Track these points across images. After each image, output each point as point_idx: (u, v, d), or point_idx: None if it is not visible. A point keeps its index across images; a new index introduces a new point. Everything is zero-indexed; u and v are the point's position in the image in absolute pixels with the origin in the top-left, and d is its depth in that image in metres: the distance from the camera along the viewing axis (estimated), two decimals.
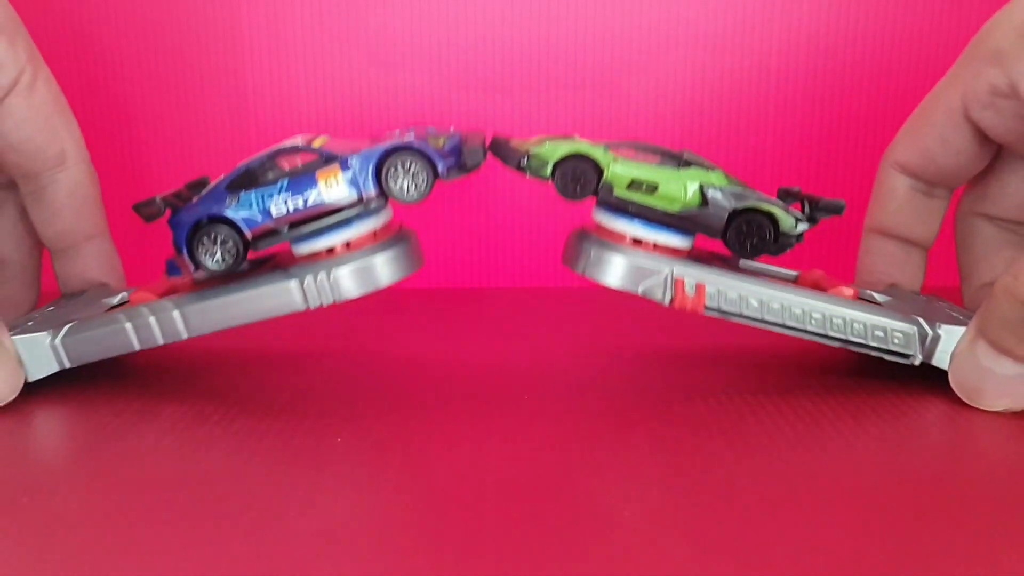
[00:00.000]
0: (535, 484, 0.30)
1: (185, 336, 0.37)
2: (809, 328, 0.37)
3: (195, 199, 0.37)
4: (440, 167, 0.36)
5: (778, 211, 0.37)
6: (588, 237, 0.39)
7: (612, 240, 0.38)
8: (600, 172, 0.37)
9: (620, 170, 0.37)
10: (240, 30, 0.58)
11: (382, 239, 0.38)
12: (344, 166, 0.36)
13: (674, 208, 0.37)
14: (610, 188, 0.37)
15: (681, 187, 0.37)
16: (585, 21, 0.58)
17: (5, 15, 0.40)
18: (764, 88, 0.59)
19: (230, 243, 0.36)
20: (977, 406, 0.35)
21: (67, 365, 0.38)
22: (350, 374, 0.42)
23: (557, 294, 0.59)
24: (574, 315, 0.42)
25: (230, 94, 0.59)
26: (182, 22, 0.58)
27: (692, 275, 0.37)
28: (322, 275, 0.37)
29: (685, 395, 0.38)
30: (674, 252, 0.39)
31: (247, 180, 0.37)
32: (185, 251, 0.36)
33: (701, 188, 0.37)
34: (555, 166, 0.37)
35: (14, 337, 0.37)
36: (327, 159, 0.36)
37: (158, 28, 0.58)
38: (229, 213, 0.36)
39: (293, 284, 0.37)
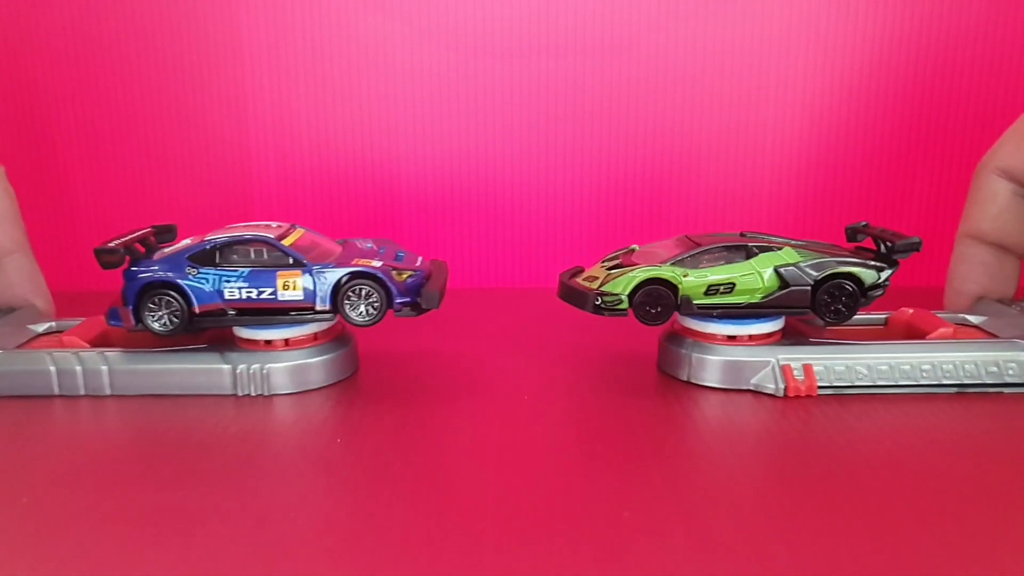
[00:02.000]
0: (535, 483, 0.29)
1: (108, 393, 0.38)
2: (922, 382, 0.37)
3: (155, 255, 0.38)
4: (396, 303, 0.37)
5: (858, 269, 0.37)
6: (684, 343, 0.39)
7: (706, 340, 0.38)
8: (675, 289, 0.37)
9: (693, 281, 0.38)
10: (239, 32, 0.59)
11: (322, 342, 0.39)
12: (307, 274, 0.37)
13: (756, 298, 0.38)
14: (689, 301, 0.37)
15: (757, 277, 0.38)
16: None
17: None
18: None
19: (177, 313, 0.37)
20: None
21: None
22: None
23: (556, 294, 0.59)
24: (574, 315, 0.42)
25: (232, 101, 0.60)
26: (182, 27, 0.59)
27: (797, 357, 0.37)
28: (256, 367, 0.38)
29: (685, 395, 0.38)
30: (769, 338, 0.39)
31: (210, 257, 0.37)
32: (132, 307, 0.37)
33: (776, 271, 0.38)
34: (630, 299, 0.37)
35: None
36: (294, 262, 0.37)
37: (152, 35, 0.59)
38: (184, 284, 0.37)
39: (226, 369, 0.38)
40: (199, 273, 0.37)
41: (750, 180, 0.61)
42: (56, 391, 0.37)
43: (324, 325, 0.39)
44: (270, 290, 0.37)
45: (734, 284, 0.38)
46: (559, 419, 0.36)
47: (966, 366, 0.37)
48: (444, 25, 0.59)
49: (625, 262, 0.40)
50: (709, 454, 0.32)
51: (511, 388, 0.40)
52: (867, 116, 0.60)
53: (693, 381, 0.39)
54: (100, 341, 0.40)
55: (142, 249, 0.38)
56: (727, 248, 0.38)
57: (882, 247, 0.39)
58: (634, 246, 0.42)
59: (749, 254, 0.38)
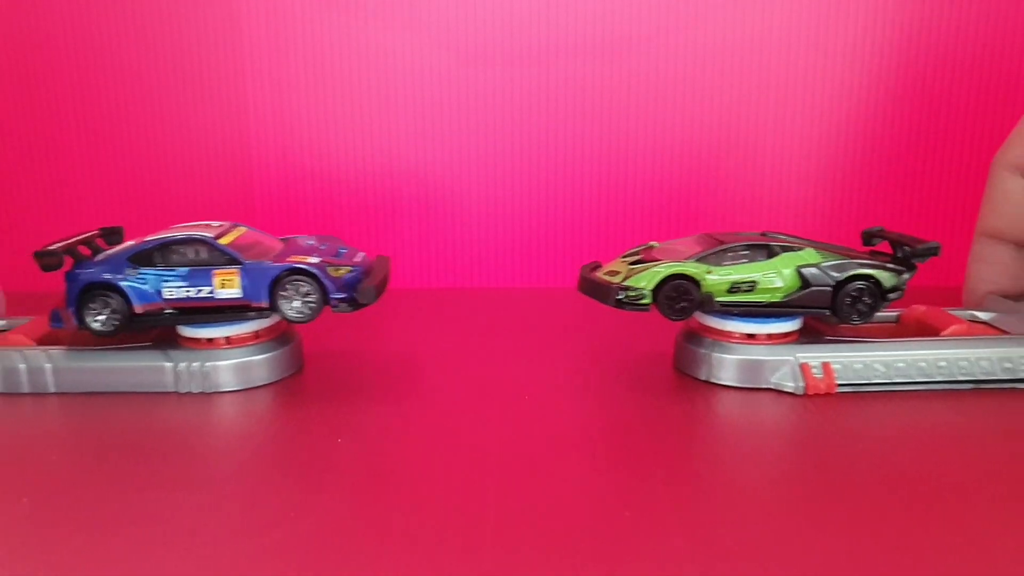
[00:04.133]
0: (535, 483, 0.29)
1: (52, 391, 0.38)
2: (938, 378, 0.37)
3: (98, 257, 0.39)
4: (331, 299, 0.38)
5: (878, 272, 0.37)
6: (702, 342, 0.39)
7: (724, 339, 0.39)
8: (698, 285, 0.37)
9: (716, 279, 0.38)
10: (240, 30, 0.59)
11: (264, 339, 0.40)
12: (244, 273, 0.38)
13: (777, 297, 0.38)
14: (711, 298, 0.37)
15: (778, 275, 0.38)
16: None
17: None
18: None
19: (117, 313, 0.38)
20: None
21: None
22: (349, 374, 0.42)
23: (557, 294, 0.59)
24: (574, 315, 0.42)
25: (231, 101, 0.60)
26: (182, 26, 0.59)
27: (815, 356, 0.37)
28: (196, 364, 0.38)
29: (686, 395, 0.38)
30: (787, 337, 0.39)
31: (150, 257, 0.38)
32: (73, 308, 0.38)
33: (798, 271, 0.38)
34: (654, 293, 0.37)
35: None
36: (229, 260, 0.38)
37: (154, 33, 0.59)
38: (123, 284, 0.37)
39: (169, 366, 0.38)
40: (138, 273, 0.38)
41: (766, 182, 0.61)
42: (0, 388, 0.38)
43: (265, 323, 0.40)
44: (208, 288, 0.38)
45: (756, 283, 0.38)
46: (559, 418, 0.36)
47: (981, 362, 0.37)
48: (444, 24, 0.59)
49: (646, 258, 0.40)
50: (711, 454, 0.32)
51: (511, 388, 0.40)
52: (874, 116, 0.60)
53: (712, 380, 0.39)
54: (48, 340, 0.41)
55: (87, 252, 0.39)
56: (750, 247, 0.39)
57: (899, 251, 0.39)
58: (653, 243, 0.42)
59: (771, 253, 0.38)
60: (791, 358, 0.38)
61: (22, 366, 0.38)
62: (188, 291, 0.38)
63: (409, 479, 0.30)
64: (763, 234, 0.40)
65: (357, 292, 0.38)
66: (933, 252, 0.38)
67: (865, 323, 0.38)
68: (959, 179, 0.60)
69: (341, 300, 0.38)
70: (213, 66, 0.59)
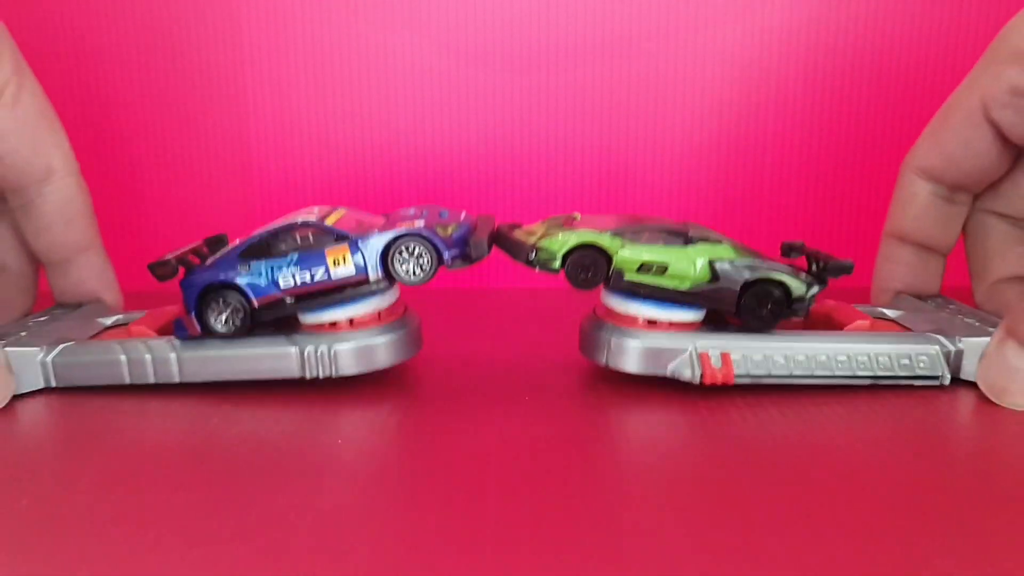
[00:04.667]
0: (535, 484, 0.30)
1: (177, 380, 0.38)
2: (838, 373, 0.37)
3: (208, 262, 0.39)
4: (446, 256, 0.37)
5: (789, 279, 0.37)
6: (604, 326, 0.39)
7: (626, 325, 0.38)
8: (609, 259, 0.37)
9: (629, 255, 0.37)
10: (240, 29, 0.59)
11: (386, 321, 0.39)
12: (353, 247, 0.37)
13: (685, 286, 0.37)
14: (620, 274, 0.37)
15: (691, 264, 0.37)
16: None
17: None
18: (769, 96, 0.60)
19: (238, 310, 0.38)
20: (1004, 405, 0.36)
21: (52, 384, 0.38)
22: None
23: (557, 294, 0.58)
24: (574, 315, 0.42)
25: (231, 95, 0.60)
26: (182, 23, 0.59)
27: (715, 345, 0.37)
28: (323, 348, 0.38)
29: (686, 395, 0.38)
30: (689, 326, 0.39)
31: (259, 250, 0.38)
32: (194, 313, 0.38)
33: (710, 263, 0.37)
34: (564, 258, 0.37)
35: (6, 348, 0.38)
36: (338, 237, 0.37)
37: (158, 36, 0.59)
38: (239, 281, 0.37)
39: (293, 351, 0.38)
40: (251, 268, 0.37)
41: (765, 183, 0.61)
42: (127, 380, 0.38)
43: (386, 303, 0.39)
44: (322, 269, 0.37)
45: (667, 267, 0.37)
46: (559, 419, 0.36)
47: (880, 358, 0.37)
48: (445, 23, 0.58)
49: (566, 225, 0.39)
50: (712, 455, 0.32)
51: (511, 388, 0.39)
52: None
53: (611, 366, 0.38)
54: (166, 331, 0.41)
55: (196, 260, 0.39)
56: (668, 231, 0.38)
57: (814, 266, 0.39)
58: (576, 214, 0.41)
59: (687, 241, 0.38)
60: (690, 347, 0.37)
61: (148, 356, 0.38)
62: (303, 276, 0.37)
63: (409, 479, 0.30)
64: (685, 223, 0.39)
65: (469, 246, 0.37)
66: (846, 270, 0.38)
67: (764, 331, 0.38)
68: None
69: (455, 257, 0.37)
70: (213, 66, 0.59)
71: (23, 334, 0.40)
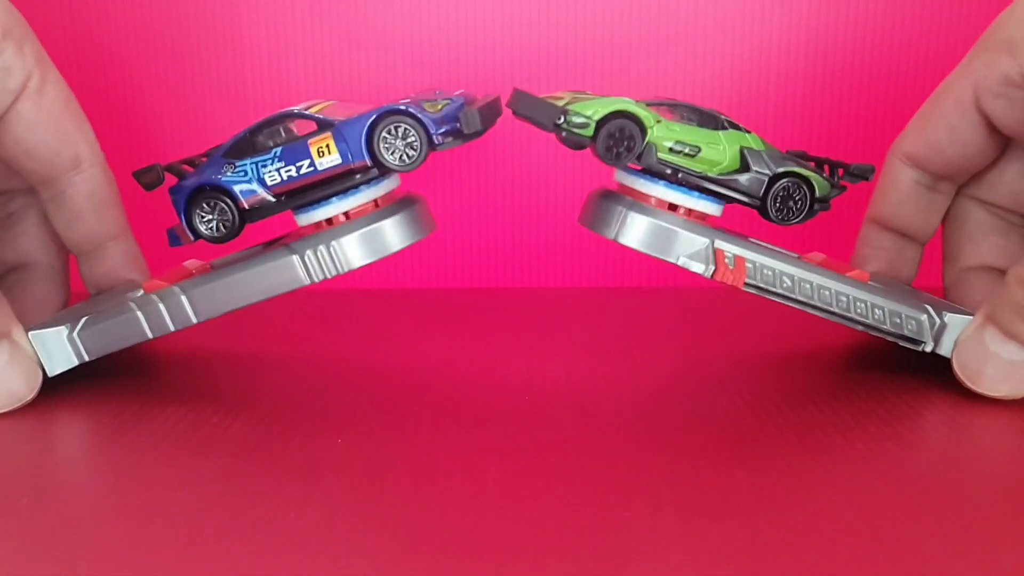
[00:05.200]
0: (535, 485, 0.29)
1: (195, 320, 0.37)
2: (835, 310, 0.37)
3: (196, 169, 0.37)
4: (433, 132, 0.34)
5: (816, 177, 0.36)
6: (620, 199, 0.36)
7: (645, 201, 0.36)
8: (644, 133, 0.34)
9: (663, 132, 0.35)
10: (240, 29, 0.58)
11: (385, 205, 0.36)
12: (337, 135, 0.34)
13: (713, 172, 0.36)
14: (653, 151, 0.35)
15: (722, 150, 0.35)
16: None
17: (11, 19, 0.40)
18: (766, 78, 0.56)
19: (226, 211, 0.36)
20: (977, 389, 0.36)
21: (86, 358, 0.38)
22: (350, 375, 0.41)
23: (557, 294, 0.57)
24: (574, 315, 0.42)
25: (231, 91, 0.59)
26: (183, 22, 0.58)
27: (731, 248, 0.36)
28: (322, 247, 0.35)
29: (686, 395, 0.38)
30: (704, 219, 0.37)
31: (243, 148, 0.36)
32: (184, 220, 0.36)
33: (742, 151, 0.36)
34: (598, 124, 0.34)
35: (34, 332, 0.37)
36: (321, 126, 0.35)
37: (161, 29, 0.58)
38: (224, 181, 0.35)
39: (295, 259, 0.36)
40: (236, 167, 0.35)
41: None
42: (149, 335, 0.37)
43: (381, 190, 0.36)
44: (307, 162, 0.35)
45: (699, 149, 0.35)
46: (559, 419, 0.35)
47: (876, 310, 0.38)
48: (445, 22, 0.56)
49: (594, 93, 0.36)
50: (713, 458, 0.31)
51: (511, 389, 0.39)
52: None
53: (620, 241, 0.35)
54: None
55: (190, 169, 0.37)
56: (700, 112, 0.36)
57: (831, 171, 0.38)
58: (587, 92, 0.38)
59: (719, 126, 0.36)
60: (710, 239, 0.35)
61: (161, 305, 0.37)
62: (289, 171, 0.35)
63: (408, 479, 0.30)
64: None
65: (460, 121, 0.34)
66: (865, 175, 0.37)
67: (789, 223, 0.37)
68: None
69: (445, 134, 0.34)
70: (214, 65, 0.57)
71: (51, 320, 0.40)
